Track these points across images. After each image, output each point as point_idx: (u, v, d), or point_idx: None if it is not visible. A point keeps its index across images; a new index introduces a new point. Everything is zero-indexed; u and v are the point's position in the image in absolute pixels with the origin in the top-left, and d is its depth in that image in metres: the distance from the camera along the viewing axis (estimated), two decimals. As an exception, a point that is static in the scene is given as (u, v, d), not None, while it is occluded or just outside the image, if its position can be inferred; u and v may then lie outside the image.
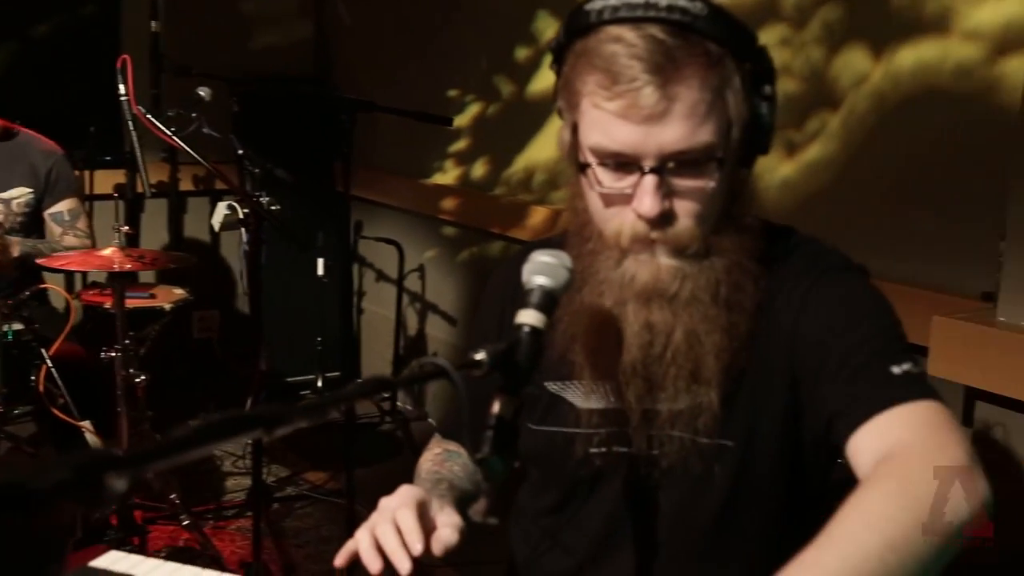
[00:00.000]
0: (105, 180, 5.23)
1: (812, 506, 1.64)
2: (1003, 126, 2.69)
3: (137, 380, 3.96)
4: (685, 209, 1.51)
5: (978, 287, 2.83)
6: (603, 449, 1.62)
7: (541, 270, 1.40)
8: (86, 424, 3.29)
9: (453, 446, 1.81)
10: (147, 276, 4.91)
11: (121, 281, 3.48)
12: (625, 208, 1.52)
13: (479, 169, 4.91)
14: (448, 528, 1.45)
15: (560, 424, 1.65)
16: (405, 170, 5.36)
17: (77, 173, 4.53)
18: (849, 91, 3.12)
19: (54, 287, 3.53)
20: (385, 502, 1.46)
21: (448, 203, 5.08)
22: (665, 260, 1.52)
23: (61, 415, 3.30)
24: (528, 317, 1.36)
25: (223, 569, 3.61)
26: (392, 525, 1.40)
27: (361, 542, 1.40)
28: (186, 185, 5.59)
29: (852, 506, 1.25)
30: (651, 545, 1.63)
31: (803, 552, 1.22)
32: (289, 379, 5.57)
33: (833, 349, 1.50)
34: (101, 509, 0.81)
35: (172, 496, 3.67)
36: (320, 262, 5.25)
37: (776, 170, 3.31)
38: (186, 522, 3.67)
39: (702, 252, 1.53)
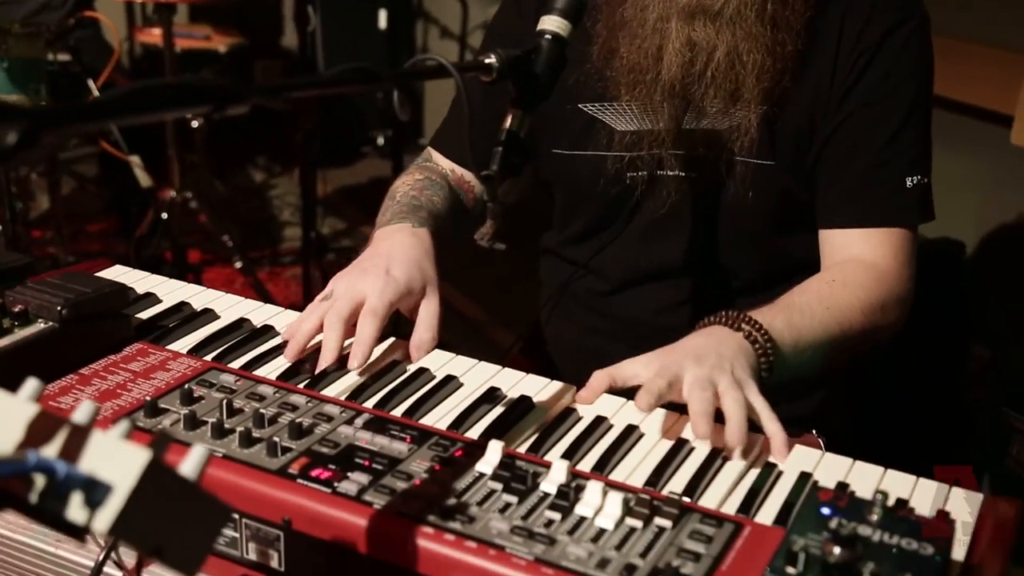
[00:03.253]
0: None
1: None
2: None
3: (194, 124, 3.93)
4: None
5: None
6: (638, 172, 1.54)
7: None
8: (135, 159, 3.25)
9: (435, 175, 1.68)
10: (207, 26, 4.78)
11: (168, 13, 3.37)
12: None
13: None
14: (427, 333, 1.36)
15: (594, 148, 1.56)
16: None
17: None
18: None
19: (101, 16, 3.42)
20: (358, 286, 1.34)
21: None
22: None
23: (110, 148, 3.27)
24: (551, 23, 1.23)
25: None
26: (343, 322, 1.31)
27: (305, 323, 1.34)
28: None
29: (835, 298, 1.42)
30: (692, 267, 1.61)
31: (790, 308, 1.38)
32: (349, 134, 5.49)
33: (869, 118, 1.48)
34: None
35: (225, 238, 3.68)
36: (382, 14, 5.07)
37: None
38: (239, 264, 3.69)
39: None
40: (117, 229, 4.18)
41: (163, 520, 0.75)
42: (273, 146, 5.25)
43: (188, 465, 0.77)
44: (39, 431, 0.76)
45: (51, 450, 0.74)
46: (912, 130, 1.49)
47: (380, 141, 5.45)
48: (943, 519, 1.03)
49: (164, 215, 3.53)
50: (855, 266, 1.49)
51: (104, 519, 0.71)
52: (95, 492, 0.71)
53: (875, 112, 1.49)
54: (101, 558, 1.06)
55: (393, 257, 1.40)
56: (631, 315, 1.66)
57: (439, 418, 1.25)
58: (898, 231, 1.51)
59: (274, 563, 1.08)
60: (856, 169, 1.49)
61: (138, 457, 0.72)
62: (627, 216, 1.61)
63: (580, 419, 1.27)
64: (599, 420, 1.26)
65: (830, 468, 1.18)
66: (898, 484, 1.16)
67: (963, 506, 1.12)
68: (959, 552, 1.03)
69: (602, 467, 1.16)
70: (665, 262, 1.61)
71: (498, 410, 1.27)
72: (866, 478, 1.16)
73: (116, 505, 0.71)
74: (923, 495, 1.14)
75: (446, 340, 1.41)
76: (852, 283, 1.45)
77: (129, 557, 1.10)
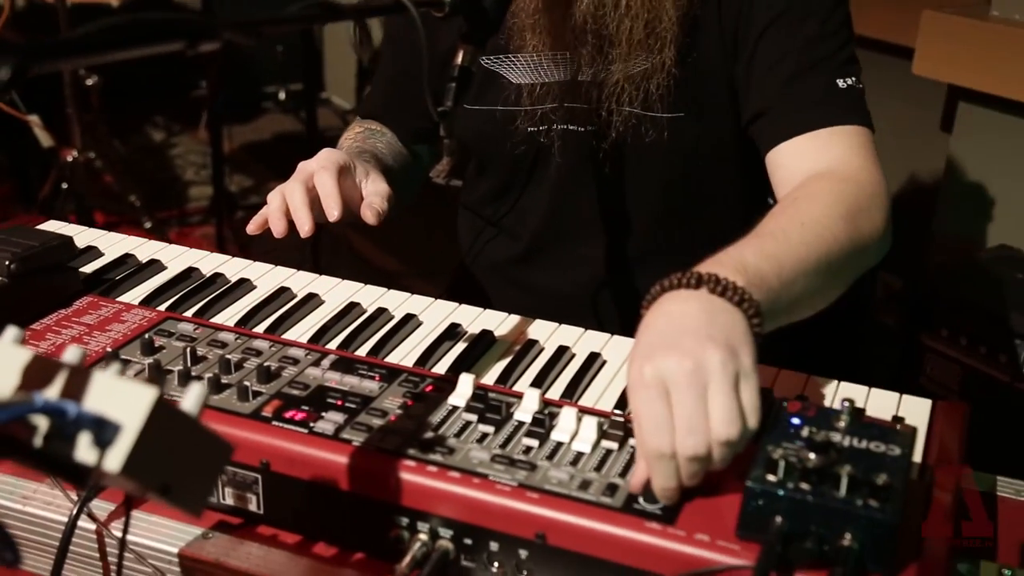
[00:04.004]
0: None
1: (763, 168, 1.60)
2: None
3: (89, 82, 3.80)
4: None
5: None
6: (544, 127, 1.52)
7: None
8: (34, 119, 3.14)
9: (376, 125, 1.68)
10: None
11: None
12: None
13: None
14: (377, 196, 1.37)
15: (494, 102, 1.53)
16: None
17: None
18: None
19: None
20: (303, 165, 1.36)
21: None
22: None
23: (7, 108, 3.15)
24: (497, -42, 1.23)
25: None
26: (303, 185, 1.31)
27: (271, 204, 1.32)
28: None
29: (809, 212, 1.22)
30: (603, 223, 1.58)
31: (760, 236, 1.16)
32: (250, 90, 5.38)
33: (783, 32, 1.40)
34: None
35: (132, 198, 3.59)
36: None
37: None
38: (148, 225, 3.61)
39: None
40: (15, 193, 4.03)
41: (169, 458, 0.75)
42: (170, 105, 5.12)
43: (188, 402, 0.77)
44: (35, 375, 0.74)
45: (52, 392, 0.73)
46: (832, 36, 1.42)
47: (281, 96, 5.36)
48: (902, 423, 1.08)
49: (68, 176, 3.43)
50: (814, 179, 1.33)
51: (115, 458, 0.70)
52: (104, 431, 0.70)
53: (787, 22, 1.42)
54: (75, 511, 1.05)
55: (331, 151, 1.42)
56: (546, 284, 1.65)
57: (404, 355, 1.26)
58: (846, 129, 1.38)
59: (252, 506, 1.08)
60: (780, 82, 1.41)
61: (145, 394, 0.72)
62: (531, 173, 1.58)
63: (543, 350, 1.29)
64: (562, 349, 1.28)
65: (787, 383, 1.23)
66: (851, 394, 1.21)
67: (915, 411, 1.17)
68: (915, 455, 1.08)
69: (571, 394, 1.18)
70: (573, 221, 1.59)
71: (461, 345, 1.29)
72: (822, 390, 1.21)
73: (127, 443, 0.71)
74: (876, 403, 1.19)
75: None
76: (819, 193, 1.27)
77: (101, 511, 1.09)
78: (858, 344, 2.98)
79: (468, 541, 1.00)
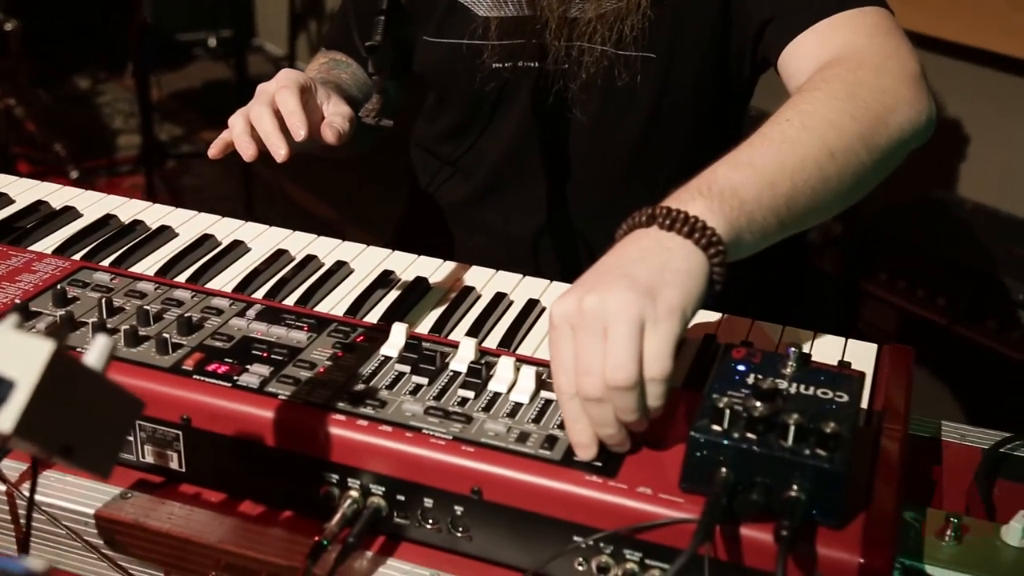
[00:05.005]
0: None
1: (735, 122, 1.56)
2: None
3: (8, 27, 3.65)
4: None
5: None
6: (510, 63, 1.45)
7: None
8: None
9: (340, 56, 1.61)
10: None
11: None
12: None
13: None
14: (338, 117, 1.27)
15: (459, 35, 1.46)
16: None
17: None
18: None
19: None
20: (263, 86, 1.26)
21: None
22: None
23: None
24: None
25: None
26: (269, 107, 1.21)
27: (234, 127, 1.21)
28: None
29: (794, 106, 1.11)
30: (564, 166, 1.53)
31: (737, 148, 1.06)
32: (179, 36, 5.22)
33: None
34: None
35: (57, 147, 3.46)
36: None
37: None
38: (75, 175, 3.49)
39: None
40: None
41: (71, 417, 0.69)
42: (95, 52, 4.95)
43: (91, 356, 0.71)
44: (-82, 329, 0.68)
45: (-64, 348, 0.67)
46: None
47: (211, 43, 5.21)
48: (850, 369, 1.05)
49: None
50: (814, 74, 1.21)
51: (7, 419, 0.65)
52: (-5, 389, 0.64)
53: None
54: (-18, 473, 0.99)
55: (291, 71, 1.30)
56: (501, 226, 1.59)
57: (334, 305, 1.20)
58: (852, 13, 1.26)
59: (173, 464, 1.02)
60: None
61: (40, 348, 0.66)
62: (494, 111, 1.52)
63: (479, 297, 1.24)
64: (499, 296, 1.23)
65: (731, 329, 1.20)
66: (797, 339, 1.18)
67: (860, 356, 1.15)
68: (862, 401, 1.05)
69: (508, 343, 1.14)
70: (534, 162, 1.53)
71: (394, 293, 1.23)
72: (767, 335, 1.18)
73: (20, 401, 0.65)
74: (821, 348, 1.16)
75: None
76: (812, 85, 1.15)
77: (12, 471, 1.03)
78: (795, 290, 2.98)
79: (401, 497, 0.96)
